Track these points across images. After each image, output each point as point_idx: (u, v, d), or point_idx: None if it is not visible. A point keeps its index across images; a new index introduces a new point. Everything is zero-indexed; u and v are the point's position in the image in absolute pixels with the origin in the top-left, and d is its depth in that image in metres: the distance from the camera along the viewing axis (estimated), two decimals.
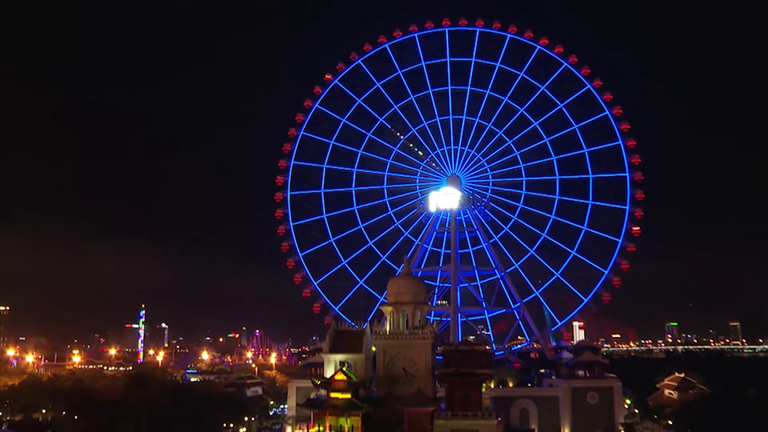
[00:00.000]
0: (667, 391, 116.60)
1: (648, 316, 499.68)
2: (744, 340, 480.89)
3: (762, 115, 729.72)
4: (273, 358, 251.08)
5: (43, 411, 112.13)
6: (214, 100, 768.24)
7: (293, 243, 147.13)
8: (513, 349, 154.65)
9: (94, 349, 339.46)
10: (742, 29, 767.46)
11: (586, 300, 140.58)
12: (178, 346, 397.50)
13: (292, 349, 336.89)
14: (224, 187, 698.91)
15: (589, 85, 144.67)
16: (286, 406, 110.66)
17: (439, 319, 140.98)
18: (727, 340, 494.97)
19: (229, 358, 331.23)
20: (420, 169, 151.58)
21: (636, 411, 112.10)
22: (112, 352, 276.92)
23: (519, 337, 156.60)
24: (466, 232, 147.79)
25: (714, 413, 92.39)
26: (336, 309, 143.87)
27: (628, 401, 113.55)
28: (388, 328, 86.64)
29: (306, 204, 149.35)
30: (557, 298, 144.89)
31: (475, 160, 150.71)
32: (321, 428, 76.45)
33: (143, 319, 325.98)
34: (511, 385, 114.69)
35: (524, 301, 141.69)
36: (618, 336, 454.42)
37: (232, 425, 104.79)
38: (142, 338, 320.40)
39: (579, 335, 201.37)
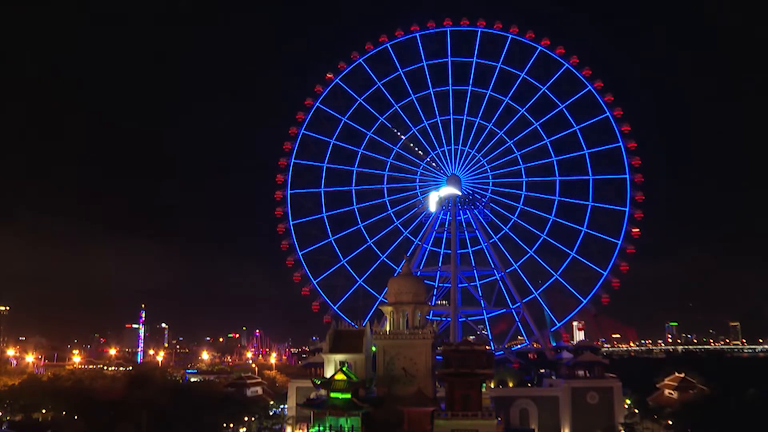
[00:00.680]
0: (667, 391, 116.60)
1: (648, 316, 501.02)
2: (744, 340, 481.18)
3: (762, 115, 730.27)
4: (273, 358, 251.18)
5: (43, 411, 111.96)
6: (214, 100, 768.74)
7: (293, 241, 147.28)
8: (513, 349, 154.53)
9: (94, 349, 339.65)
10: (743, 30, 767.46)
11: (585, 301, 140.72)
12: (178, 346, 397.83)
13: (292, 349, 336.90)
14: (224, 187, 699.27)
15: (590, 87, 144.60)
16: (286, 406, 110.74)
17: (439, 319, 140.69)
18: (727, 340, 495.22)
19: (229, 358, 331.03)
20: (420, 168, 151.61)
21: (636, 411, 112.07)
22: (112, 352, 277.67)
23: (519, 337, 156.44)
24: (466, 232, 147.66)
25: (714, 413, 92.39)
26: (335, 308, 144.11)
27: (628, 401, 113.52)
28: (388, 328, 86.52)
29: (306, 203, 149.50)
30: (557, 298, 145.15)
31: (475, 161, 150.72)
32: (321, 428, 76.29)
33: (143, 319, 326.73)
34: (511, 385, 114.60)
35: (524, 301, 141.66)
36: (618, 336, 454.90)
37: (232, 425, 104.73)
38: (142, 338, 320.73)
39: (578, 336, 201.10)
